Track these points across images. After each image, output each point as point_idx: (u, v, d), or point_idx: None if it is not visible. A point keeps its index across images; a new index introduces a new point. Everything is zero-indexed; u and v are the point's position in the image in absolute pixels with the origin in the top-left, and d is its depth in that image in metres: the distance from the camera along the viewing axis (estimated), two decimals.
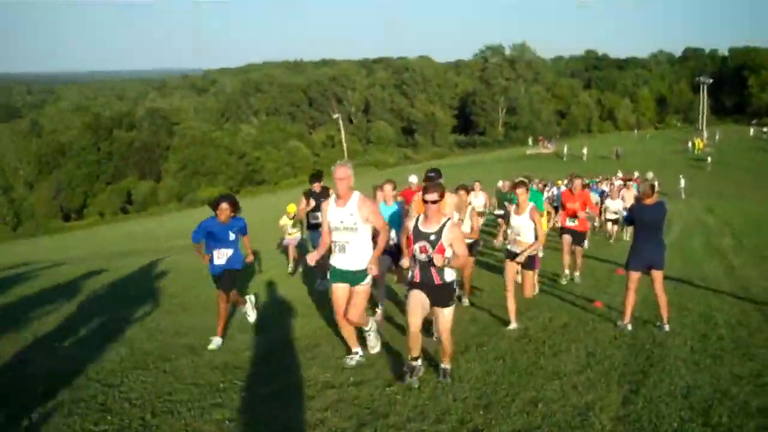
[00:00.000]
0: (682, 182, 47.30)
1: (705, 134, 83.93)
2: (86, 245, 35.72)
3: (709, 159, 64.77)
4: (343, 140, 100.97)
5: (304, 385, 6.73)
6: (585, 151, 77.53)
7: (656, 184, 9.60)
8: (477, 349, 7.97)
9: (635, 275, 8.96)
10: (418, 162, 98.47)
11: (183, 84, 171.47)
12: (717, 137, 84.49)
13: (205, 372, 7.00)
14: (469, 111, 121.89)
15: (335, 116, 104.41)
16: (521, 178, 10.44)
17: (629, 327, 8.90)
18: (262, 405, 6.06)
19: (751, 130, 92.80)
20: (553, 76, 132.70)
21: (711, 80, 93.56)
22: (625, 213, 15.48)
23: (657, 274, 8.96)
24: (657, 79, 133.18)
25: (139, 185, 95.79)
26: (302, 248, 15.69)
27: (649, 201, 8.92)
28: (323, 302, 11.29)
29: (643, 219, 8.92)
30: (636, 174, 38.83)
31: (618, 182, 27.20)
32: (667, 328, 8.84)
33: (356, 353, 7.57)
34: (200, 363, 7.38)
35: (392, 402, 6.20)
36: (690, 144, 78.59)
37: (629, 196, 22.04)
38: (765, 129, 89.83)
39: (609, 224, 21.73)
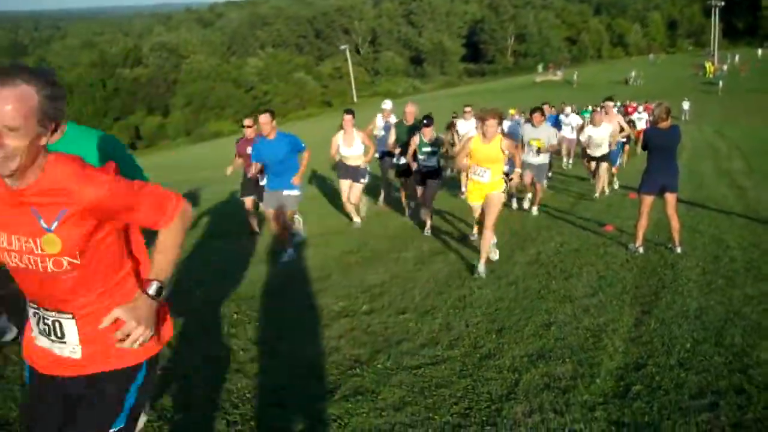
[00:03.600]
0: (686, 105, 46.86)
1: (716, 58, 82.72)
2: None
3: (721, 83, 64.01)
4: (351, 72, 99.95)
5: (318, 314, 6.77)
6: (575, 77, 78.56)
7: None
8: (488, 274, 7.98)
9: (648, 199, 8.88)
10: (426, 92, 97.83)
11: (189, 18, 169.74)
12: (736, 60, 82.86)
13: (218, 304, 7.03)
14: (477, 39, 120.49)
15: (342, 47, 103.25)
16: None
17: (641, 250, 8.88)
18: (275, 335, 6.09)
19: (759, 52, 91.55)
20: (563, 1, 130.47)
21: (723, 3, 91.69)
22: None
23: (670, 197, 8.89)
24: (668, 3, 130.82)
25: (147, 120, 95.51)
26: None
27: (664, 125, 8.78)
28: (335, 233, 11.33)
29: (658, 143, 8.78)
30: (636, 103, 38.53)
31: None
32: (679, 250, 8.83)
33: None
34: (213, 294, 7.40)
35: (405, 329, 6.22)
36: (702, 68, 77.76)
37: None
38: None
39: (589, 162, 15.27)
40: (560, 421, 4.31)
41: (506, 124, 15.17)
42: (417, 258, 9.10)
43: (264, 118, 8.61)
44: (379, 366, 5.34)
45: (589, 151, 14.56)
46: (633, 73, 75.89)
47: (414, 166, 10.93)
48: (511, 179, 9.48)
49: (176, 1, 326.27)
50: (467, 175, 9.38)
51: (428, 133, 10.58)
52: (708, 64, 78.42)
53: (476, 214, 8.76)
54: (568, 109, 22.65)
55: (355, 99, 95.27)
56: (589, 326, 6.08)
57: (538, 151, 12.14)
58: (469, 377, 5.06)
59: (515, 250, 9.36)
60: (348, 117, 11.26)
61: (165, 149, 79.19)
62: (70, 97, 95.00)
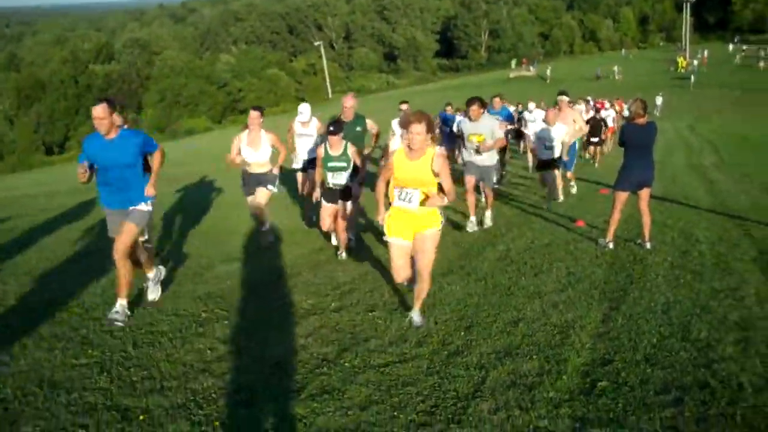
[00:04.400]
0: (658, 100, 47.32)
1: (688, 53, 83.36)
2: (69, 179, 35.42)
3: (693, 77, 64.55)
4: (325, 67, 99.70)
5: (287, 312, 6.74)
6: (548, 72, 79.85)
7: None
8: (458, 271, 7.98)
9: (623, 195, 8.89)
10: (400, 87, 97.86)
11: (161, 14, 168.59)
12: (706, 54, 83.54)
13: (186, 302, 6.97)
14: (451, 35, 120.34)
15: (316, 43, 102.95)
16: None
17: (611, 245, 8.92)
18: (243, 334, 6.06)
19: (730, 47, 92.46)
20: None
21: None
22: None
23: (645, 193, 8.92)
24: None
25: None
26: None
27: (640, 120, 8.77)
28: (304, 231, 11.28)
29: (635, 139, 8.77)
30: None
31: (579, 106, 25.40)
32: (648, 245, 8.86)
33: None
34: (182, 293, 7.35)
35: (373, 327, 6.22)
36: (674, 63, 78.47)
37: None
38: (744, 47, 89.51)
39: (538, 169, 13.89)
40: (525, 418, 4.32)
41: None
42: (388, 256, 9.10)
43: (98, 111, 6.13)
44: (346, 364, 5.33)
45: (536, 154, 13.14)
46: (615, 68, 76.08)
47: (318, 189, 9.13)
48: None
49: None
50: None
51: (335, 144, 8.64)
52: (680, 59, 78.96)
53: (396, 260, 6.32)
54: (531, 105, 20.28)
55: (329, 95, 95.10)
56: (557, 323, 6.10)
57: (478, 149, 10.24)
58: (435, 375, 5.06)
59: (486, 246, 9.36)
60: (255, 114, 9.42)
61: None
62: (43, 94, 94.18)
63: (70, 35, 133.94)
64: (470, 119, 10.32)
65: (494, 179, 11.05)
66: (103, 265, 7.99)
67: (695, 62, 77.01)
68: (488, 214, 10.98)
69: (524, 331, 5.89)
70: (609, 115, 23.74)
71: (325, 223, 9.11)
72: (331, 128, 8.51)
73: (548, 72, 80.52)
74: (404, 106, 13.44)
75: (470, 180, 10.64)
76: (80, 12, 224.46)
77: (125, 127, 6.62)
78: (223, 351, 5.62)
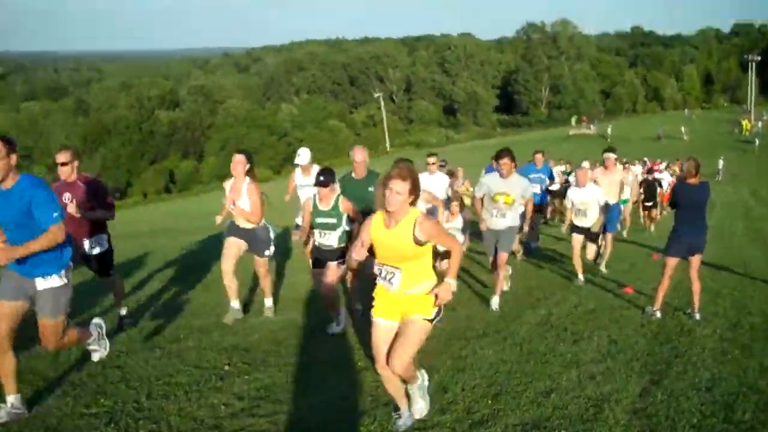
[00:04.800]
0: (720, 163, 46.55)
1: (753, 115, 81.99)
2: (126, 224, 36.09)
3: (757, 141, 63.36)
4: (384, 120, 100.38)
5: (310, 369, 6.57)
6: (609, 131, 79.65)
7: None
8: (494, 334, 7.72)
9: (673, 261, 8.55)
10: (459, 142, 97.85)
11: (226, 62, 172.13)
12: (766, 118, 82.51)
13: (210, 354, 6.85)
14: (511, 90, 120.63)
15: (376, 95, 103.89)
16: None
17: (658, 314, 8.55)
18: (262, 390, 5.90)
19: None
20: (598, 53, 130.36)
21: (759, 57, 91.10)
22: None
23: (695, 260, 8.57)
24: (704, 57, 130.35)
25: (181, 164, 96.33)
26: None
27: (693, 180, 8.47)
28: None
29: (687, 199, 8.47)
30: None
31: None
32: (698, 316, 8.47)
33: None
34: (207, 344, 7.23)
35: None
36: (738, 125, 77.19)
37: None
38: None
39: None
40: None
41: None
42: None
43: None
44: (362, 429, 5.11)
45: (574, 221, 11.33)
46: (683, 128, 75.20)
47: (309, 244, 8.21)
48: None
49: (215, 45, 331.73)
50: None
51: (325, 196, 7.56)
52: (744, 122, 77.72)
53: (378, 342, 5.03)
54: (585, 163, 19.10)
55: (388, 148, 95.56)
56: (591, 395, 5.78)
57: (504, 211, 8.91)
58: None
59: (525, 309, 9.06)
60: (238, 158, 8.22)
61: (198, 193, 79.56)
62: (108, 139, 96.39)
63: (136, 81, 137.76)
64: (501, 175, 8.81)
65: (514, 245, 10.03)
66: (136, 311, 7.94)
67: (759, 124, 75.73)
68: (495, 299, 9.08)
69: (556, 403, 5.59)
70: (663, 177, 23.11)
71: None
72: (321, 178, 7.35)
73: (609, 130, 79.73)
74: (432, 160, 11.06)
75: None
76: (146, 58, 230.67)
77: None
78: (238, 408, 5.46)
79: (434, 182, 10.39)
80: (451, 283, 4.83)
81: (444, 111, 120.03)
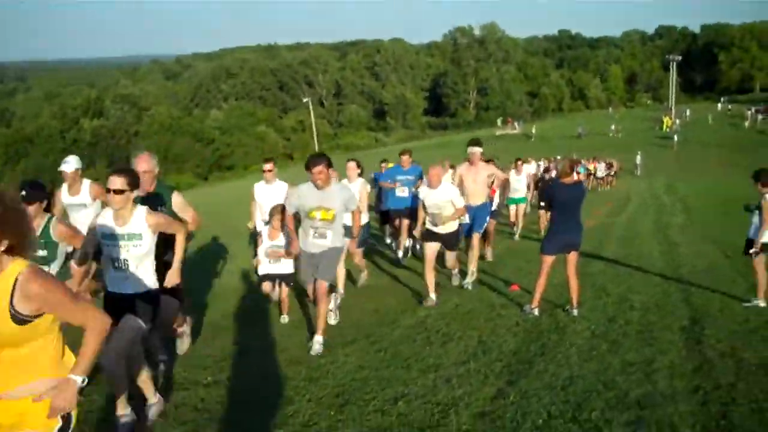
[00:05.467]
0: (638, 159, 47.57)
1: (673, 112, 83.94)
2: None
3: (676, 137, 64.76)
4: (313, 124, 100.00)
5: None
6: (534, 131, 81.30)
7: (576, 162, 9.01)
8: (362, 340, 7.53)
9: (550, 259, 8.47)
10: (389, 145, 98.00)
11: (155, 69, 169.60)
12: (687, 114, 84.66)
13: None
14: (440, 92, 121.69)
15: (305, 100, 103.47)
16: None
17: (536, 312, 8.46)
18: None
19: (719, 106, 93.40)
20: (524, 55, 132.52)
21: (680, 57, 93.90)
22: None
23: (572, 256, 8.52)
24: (628, 58, 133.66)
25: (105, 173, 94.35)
26: None
27: (567, 180, 8.46)
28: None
29: (562, 199, 8.42)
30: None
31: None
32: (575, 312, 8.42)
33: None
34: None
35: (245, 402, 5.75)
36: (659, 123, 79.05)
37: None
38: (729, 106, 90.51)
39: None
40: None
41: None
42: (291, 323, 8.65)
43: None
44: None
45: (428, 225, 9.67)
46: (613, 126, 76.95)
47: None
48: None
49: (143, 53, 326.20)
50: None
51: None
52: (666, 119, 79.55)
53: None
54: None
55: (317, 151, 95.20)
56: (442, 400, 5.61)
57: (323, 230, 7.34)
58: None
59: (405, 311, 8.89)
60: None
61: None
62: (31, 149, 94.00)
63: (63, 91, 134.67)
64: (316, 186, 7.17)
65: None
66: None
67: (678, 121, 77.66)
68: (318, 339, 7.26)
69: (402, 410, 5.40)
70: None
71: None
72: (24, 192, 5.52)
73: (533, 130, 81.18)
74: (352, 165, 11.16)
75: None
76: (73, 68, 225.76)
77: None
78: None
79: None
80: (74, 380, 3.02)
81: (373, 114, 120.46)
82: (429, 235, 9.56)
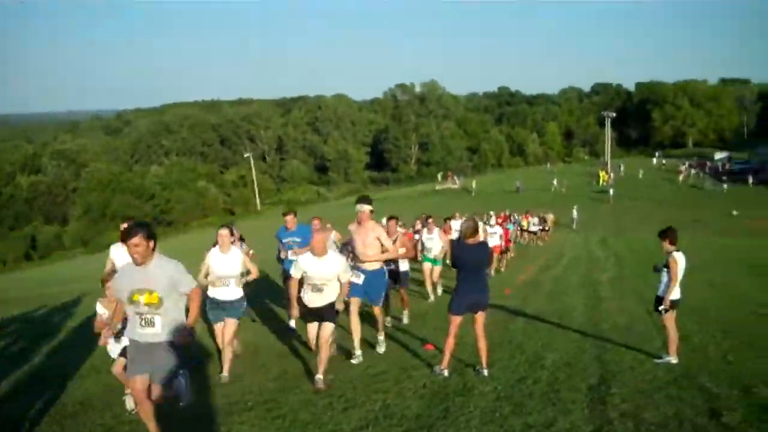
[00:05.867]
0: (575, 213, 48.38)
1: (609, 167, 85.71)
2: None
3: (611, 191, 65.98)
4: (255, 179, 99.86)
5: None
6: (473, 185, 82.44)
7: (479, 223, 8.94)
8: (260, 407, 7.31)
9: (457, 319, 8.37)
10: (331, 199, 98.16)
11: (95, 125, 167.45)
12: (621, 169, 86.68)
13: None
14: (382, 148, 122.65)
15: (246, 155, 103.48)
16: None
17: (445, 373, 8.34)
18: None
19: (654, 161, 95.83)
20: (464, 112, 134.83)
21: (614, 114, 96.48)
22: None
23: (480, 316, 8.46)
24: (565, 114, 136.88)
25: (44, 230, 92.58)
26: None
27: (471, 240, 8.42)
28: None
29: (465, 259, 8.37)
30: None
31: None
32: (485, 372, 8.34)
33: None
34: None
35: None
36: (596, 177, 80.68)
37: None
38: (664, 161, 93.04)
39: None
40: None
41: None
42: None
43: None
44: None
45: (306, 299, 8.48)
46: (555, 181, 78.22)
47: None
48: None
49: (84, 109, 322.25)
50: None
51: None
52: (602, 173, 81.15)
53: None
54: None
55: (258, 207, 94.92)
56: None
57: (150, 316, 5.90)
58: None
59: (311, 374, 8.69)
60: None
61: (59, 260, 76.41)
62: None
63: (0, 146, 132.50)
64: (135, 263, 5.90)
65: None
66: None
67: (612, 175, 79.38)
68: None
69: None
70: (495, 233, 22.39)
71: None
72: None
73: (473, 185, 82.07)
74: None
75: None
76: (13, 123, 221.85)
77: None
78: None
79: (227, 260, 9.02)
80: None
81: (315, 169, 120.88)
82: (308, 313, 8.49)
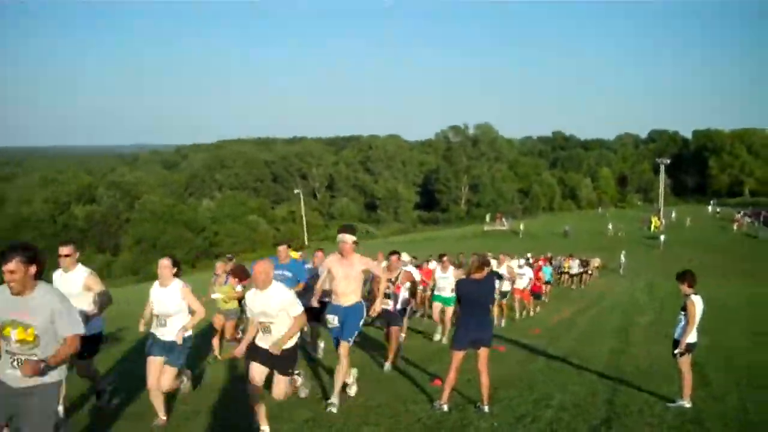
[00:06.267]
0: (622, 258, 47.59)
1: (662, 213, 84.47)
2: None
3: (662, 237, 64.84)
4: (303, 215, 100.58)
5: None
6: (521, 227, 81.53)
7: (490, 260, 8.69)
8: None
9: (459, 354, 8.20)
10: (379, 237, 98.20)
11: (154, 159, 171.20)
12: (673, 215, 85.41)
13: None
14: (432, 188, 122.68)
15: (296, 191, 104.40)
16: None
17: (445, 408, 8.16)
18: None
19: (709, 208, 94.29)
20: (516, 155, 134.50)
21: (669, 161, 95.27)
22: None
23: (483, 352, 8.27)
24: (619, 161, 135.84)
25: (94, 258, 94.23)
26: None
27: (477, 275, 8.27)
28: None
29: (468, 294, 8.25)
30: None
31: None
32: (486, 409, 8.14)
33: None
34: None
35: None
36: (648, 222, 79.68)
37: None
38: (719, 209, 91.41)
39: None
40: None
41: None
42: None
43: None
44: None
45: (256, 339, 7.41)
46: (610, 226, 77.40)
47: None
48: None
49: (148, 143, 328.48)
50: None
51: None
52: (654, 219, 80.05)
53: None
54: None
55: (306, 242, 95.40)
56: None
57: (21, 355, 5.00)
58: None
59: (305, 405, 8.51)
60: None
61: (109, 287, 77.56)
62: (19, 233, 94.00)
63: (60, 177, 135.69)
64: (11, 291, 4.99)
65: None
66: None
67: (664, 221, 78.26)
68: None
69: None
70: (524, 274, 21.57)
71: None
72: None
73: (521, 227, 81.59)
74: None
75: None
76: (73, 154, 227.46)
77: None
78: None
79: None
80: None
81: (365, 207, 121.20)
82: (254, 352, 7.25)
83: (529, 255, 30.78)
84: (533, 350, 13.86)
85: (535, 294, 22.95)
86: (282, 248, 11.20)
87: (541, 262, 27.79)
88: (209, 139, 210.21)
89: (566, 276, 35.49)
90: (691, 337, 9.00)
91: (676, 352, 9.07)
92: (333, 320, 8.35)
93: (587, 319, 21.85)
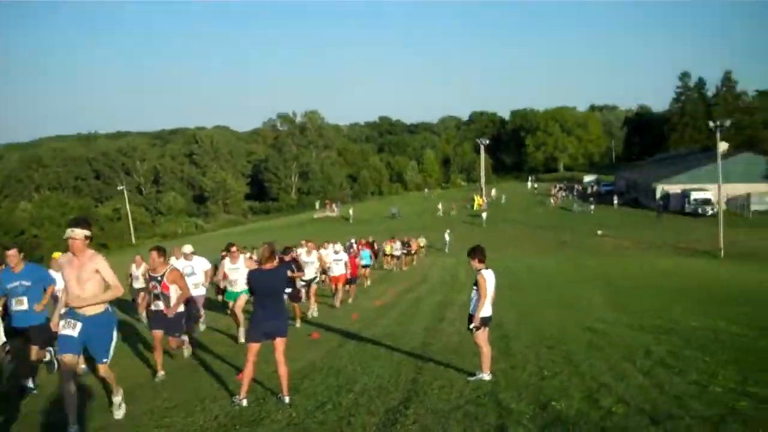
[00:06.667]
0: (447, 237, 49.06)
1: (483, 192, 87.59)
2: None
3: (484, 215, 67.21)
4: (129, 212, 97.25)
5: None
6: (351, 212, 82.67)
7: (275, 248, 8.56)
8: None
9: (255, 346, 8.08)
10: (209, 231, 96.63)
11: None
12: (493, 193, 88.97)
13: None
14: (262, 178, 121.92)
15: (119, 188, 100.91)
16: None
17: (244, 402, 8.02)
18: None
19: (528, 185, 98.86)
20: (344, 141, 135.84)
21: (488, 141, 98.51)
22: None
23: (279, 343, 8.18)
24: (442, 142, 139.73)
25: None
26: None
27: (268, 266, 8.17)
28: None
29: (260, 285, 8.15)
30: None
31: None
32: (287, 400, 8.07)
33: None
34: None
35: None
36: (470, 202, 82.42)
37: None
38: (536, 185, 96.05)
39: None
40: None
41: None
42: None
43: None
44: None
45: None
46: (440, 206, 79.40)
47: None
48: None
49: None
50: None
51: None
52: (477, 198, 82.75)
53: None
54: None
55: (133, 241, 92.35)
56: None
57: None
58: None
59: (104, 411, 8.17)
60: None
61: None
62: None
63: None
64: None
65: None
66: None
67: (486, 200, 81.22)
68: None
69: None
70: (341, 259, 21.37)
71: None
72: None
73: (351, 212, 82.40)
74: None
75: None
76: None
77: None
78: None
79: None
80: None
81: (194, 200, 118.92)
82: None
83: (353, 240, 31.00)
84: (346, 335, 13.90)
85: (351, 279, 22.53)
86: (12, 252, 9.44)
87: (360, 246, 28.02)
88: (25, 138, 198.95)
89: (389, 257, 36.02)
90: (485, 311, 9.21)
91: (471, 326, 9.26)
92: (73, 328, 7.10)
93: (409, 300, 22.18)
